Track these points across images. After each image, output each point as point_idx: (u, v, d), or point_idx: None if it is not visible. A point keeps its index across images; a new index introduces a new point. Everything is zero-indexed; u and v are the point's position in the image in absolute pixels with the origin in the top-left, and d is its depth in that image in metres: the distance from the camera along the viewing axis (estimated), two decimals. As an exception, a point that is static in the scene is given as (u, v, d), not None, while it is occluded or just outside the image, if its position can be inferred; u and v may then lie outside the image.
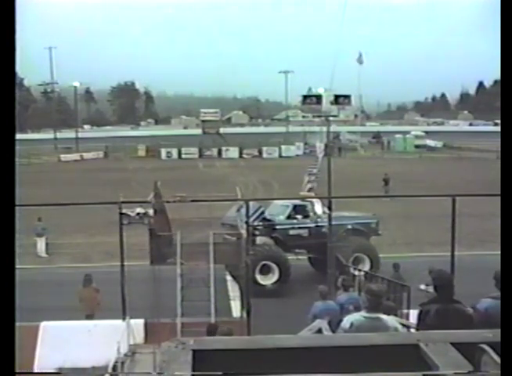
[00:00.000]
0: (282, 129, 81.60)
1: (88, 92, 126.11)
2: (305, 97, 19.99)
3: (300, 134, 69.85)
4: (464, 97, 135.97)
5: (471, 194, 21.21)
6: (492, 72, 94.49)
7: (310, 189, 17.48)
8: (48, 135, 79.71)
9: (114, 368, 8.70)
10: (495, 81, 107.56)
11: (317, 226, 16.87)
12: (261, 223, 16.44)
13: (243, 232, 12.66)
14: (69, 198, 24.59)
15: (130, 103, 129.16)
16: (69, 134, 75.23)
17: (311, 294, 10.16)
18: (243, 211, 13.07)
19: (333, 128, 30.96)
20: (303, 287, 14.41)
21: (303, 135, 68.11)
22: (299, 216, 17.18)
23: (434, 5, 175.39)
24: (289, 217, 17.19)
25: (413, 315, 7.14)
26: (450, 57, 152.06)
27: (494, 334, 2.39)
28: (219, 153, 63.94)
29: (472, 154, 57.41)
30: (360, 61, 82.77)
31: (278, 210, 17.55)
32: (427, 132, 76.26)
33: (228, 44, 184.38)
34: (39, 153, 61.29)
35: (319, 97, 19.23)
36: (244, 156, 62.91)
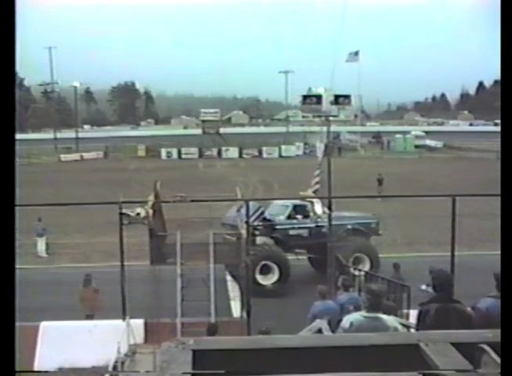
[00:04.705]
0: (282, 129, 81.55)
1: (88, 92, 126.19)
2: (305, 97, 19.94)
3: (300, 134, 69.85)
4: (464, 97, 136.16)
5: (471, 194, 21.20)
6: (492, 72, 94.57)
7: (316, 191, 17.47)
8: (48, 135, 79.73)
9: (114, 368, 8.73)
10: (495, 81, 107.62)
11: (317, 226, 16.86)
12: (261, 223, 16.44)
13: (243, 232, 12.66)
14: (69, 198, 24.59)
15: (130, 103, 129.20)
16: (69, 134, 75.25)
17: (311, 294, 10.16)
18: (243, 211, 13.07)
19: (333, 128, 30.93)
20: (303, 287, 14.40)
21: (303, 135, 68.12)
22: (299, 216, 17.18)
23: (435, 5, 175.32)
24: (289, 217, 17.19)
25: (413, 315, 7.14)
26: (450, 57, 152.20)
27: (494, 334, 2.39)
28: (219, 153, 63.94)
29: (472, 154, 57.45)
30: (351, 59, 65.34)
31: (278, 210, 17.54)
32: (427, 132, 76.28)
33: (228, 44, 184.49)
34: (39, 153, 61.31)
35: (319, 97, 19.18)
36: (244, 156, 62.91)
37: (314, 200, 17.43)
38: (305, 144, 64.53)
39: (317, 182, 17.43)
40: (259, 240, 16.30)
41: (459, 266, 11.00)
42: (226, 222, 15.42)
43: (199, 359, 2.31)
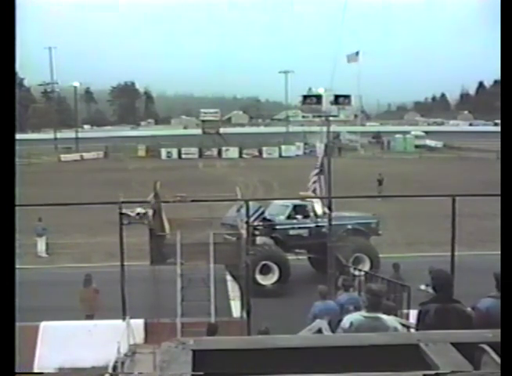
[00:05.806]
0: (282, 129, 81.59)
1: (88, 92, 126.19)
2: (305, 97, 19.87)
3: (300, 134, 69.88)
4: (464, 97, 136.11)
5: (471, 194, 21.21)
6: (492, 72, 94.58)
7: (314, 190, 17.46)
8: (48, 135, 79.71)
9: (114, 368, 8.73)
10: (495, 81, 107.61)
11: (317, 226, 16.86)
12: (261, 223, 16.43)
13: (243, 232, 12.67)
14: (69, 198, 24.58)
15: (130, 103, 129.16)
16: (69, 134, 75.28)
17: (311, 294, 10.16)
18: (243, 211, 13.07)
19: (333, 128, 30.91)
20: (303, 287, 14.40)
21: (303, 135, 68.14)
22: (299, 216, 17.17)
23: (434, 4, 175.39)
24: (289, 217, 17.18)
25: (413, 315, 7.15)
26: (450, 57, 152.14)
27: (494, 334, 2.39)
28: (219, 153, 63.95)
29: (472, 154, 57.47)
30: (351, 59, 60.83)
31: (278, 210, 17.53)
32: (427, 132, 76.33)
33: (228, 44, 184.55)
34: (39, 153, 61.26)
35: (319, 97, 19.12)
36: (244, 156, 62.94)
37: (314, 200, 17.42)
38: (305, 144, 64.55)
39: (315, 182, 17.40)
40: (259, 240, 16.30)
41: (459, 266, 11.01)
42: (226, 222, 15.42)
43: (199, 359, 2.31)
